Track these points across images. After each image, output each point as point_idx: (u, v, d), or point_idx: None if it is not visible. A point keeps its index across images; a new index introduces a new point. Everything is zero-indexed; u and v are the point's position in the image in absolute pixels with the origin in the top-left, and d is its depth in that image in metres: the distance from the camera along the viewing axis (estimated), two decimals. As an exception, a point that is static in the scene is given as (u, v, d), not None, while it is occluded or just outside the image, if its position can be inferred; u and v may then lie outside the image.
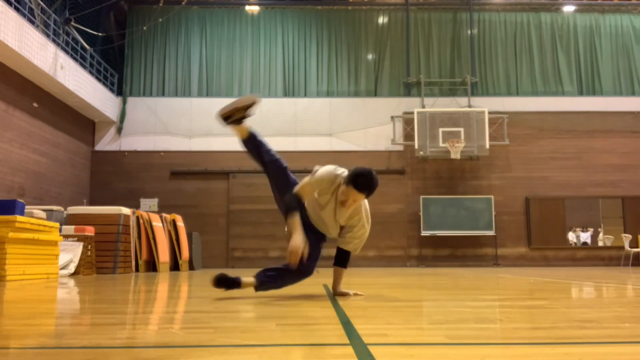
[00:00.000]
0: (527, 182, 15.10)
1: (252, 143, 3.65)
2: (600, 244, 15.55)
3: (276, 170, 3.61)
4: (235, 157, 14.95)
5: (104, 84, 14.49)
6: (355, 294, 3.55)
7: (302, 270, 3.28)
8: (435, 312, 2.69)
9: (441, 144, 14.39)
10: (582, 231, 15.76)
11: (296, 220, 3.25)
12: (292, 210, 3.27)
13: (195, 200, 14.77)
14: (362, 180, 3.16)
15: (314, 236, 3.45)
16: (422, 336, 1.83)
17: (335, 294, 3.57)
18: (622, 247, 14.24)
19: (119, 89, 15.46)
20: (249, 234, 14.59)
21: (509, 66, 15.99)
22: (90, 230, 8.46)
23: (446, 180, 15.06)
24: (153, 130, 15.17)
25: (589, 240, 15.73)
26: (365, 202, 3.44)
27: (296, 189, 3.39)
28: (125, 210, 9.43)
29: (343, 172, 3.36)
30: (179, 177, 14.95)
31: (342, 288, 3.61)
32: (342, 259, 3.55)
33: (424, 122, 14.53)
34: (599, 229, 15.76)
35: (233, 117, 3.58)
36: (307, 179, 3.39)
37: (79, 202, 13.52)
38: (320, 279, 5.81)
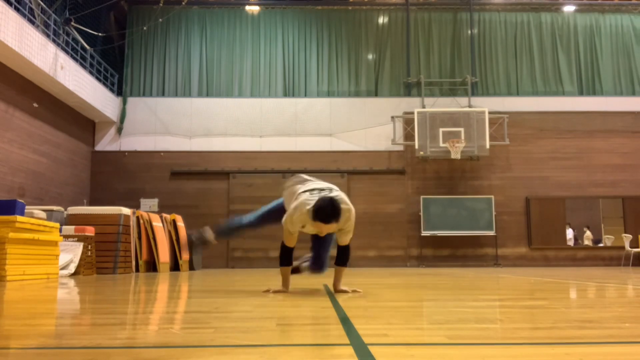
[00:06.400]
0: (527, 182, 15.10)
1: (226, 234, 4.53)
2: (587, 242, 15.49)
3: (260, 221, 4.32)
4: (235, 157, 14.96)
5: (104, 84, 14.49)
6: (354, 291, 3.76)
7: (318, 264, 4.05)
8: (435, 312, 2.69)
9: (441, 144, 14.39)
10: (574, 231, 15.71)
11: (284, 272, 3.85)
12: (280, 264, 3.83)
13: (196, 201, 14.77)
14: (323, 213, 3.38)
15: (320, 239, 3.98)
16: (422, 336, 1.83)
17: (335, 292, 3.81)
18: (623, 247, 14.25)
19: (119, 89, 15.46)
20: (249, 234, 14.55)
21: (509, 66, 15.98)
22: (90, 231, 8.45)
23: (446, 180, 15.06)
24: (153, 131, 15.17)
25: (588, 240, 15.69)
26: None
27: (283, 240, 3.79)
28: (126, 211, 9.43)
29: (303, 203, 3.57)
30: (179, 177, 14.95)
31: (342, 286, 3.86)
32: (341, 258, 3.85)
33: (424, 122, 14.53)
34: (584, 229, 15.73)
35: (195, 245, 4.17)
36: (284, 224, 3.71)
37: (79, 203, 13.52)
38: (320, 279, 5.81)
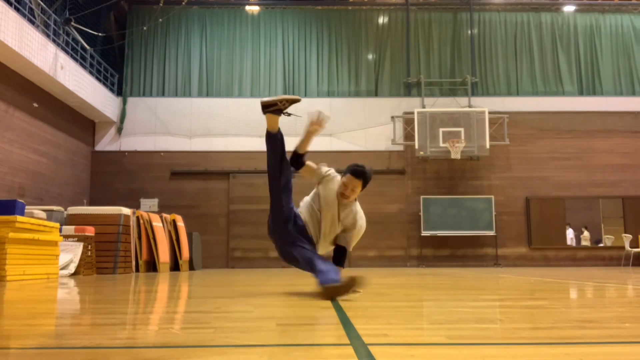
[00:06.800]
0: (527, 182, 15.10)
1: (280, 138, 3.82)
2: (585, 242, 15.46)
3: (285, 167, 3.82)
4: (235, 157, 14.96)
5: (104, 84, 14.49)
6: (354, 291, 3.71)
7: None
8: (435, 312, 2.69)
9: (441, 144, 14.39)
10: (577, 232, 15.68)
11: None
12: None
13: (196, 200, 14.77)
14: (358, 169, 3.63)
15: (305, 239, 3.78)
16: (422, 336, 1.83)
17: None
18: (623, 247, 14.25)
19: (119, 89, 15.46)
20: (249, 234, 14.59)
21: (509, 66, 15.98)
22: (90, 231, 8.45)
23: (446, 180, 15.06)
24: (153, 131, 15.17)
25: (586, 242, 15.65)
26: (358, 205, 3.84)
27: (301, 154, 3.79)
28: (126, 211, 9.43)
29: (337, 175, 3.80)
30: (179, 177, 14.95)
31: None
32: (339, 259, 3.81)
33: (424, 122, 14.53)
34: (583, 229, 15.67)
35: (275, 106, 3.74)
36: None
37: (79, 203, 13.52)
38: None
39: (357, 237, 3.80)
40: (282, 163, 3.72)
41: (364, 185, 3.66)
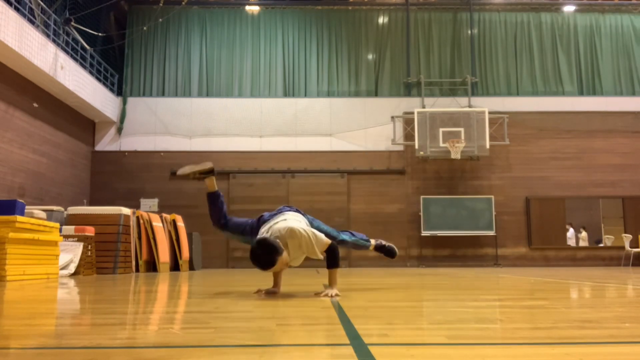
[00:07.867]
0: (527, 182, 15.10)
1: (218, 199, 4.35)
2: (583, 243, 15.43)
3: (233, 227, 4.37)
4: (235, 157, 14.96)
5: (104, 84, 14.49)
6: (332, 295, 3.51)
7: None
8: (435, 312, 2.69)
9: (441, 144, 14.39)
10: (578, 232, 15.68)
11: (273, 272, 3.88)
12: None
13: (196, 201, 14.75)
14: (254, 257, 3.31)
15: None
16: (423, 336, 1.83)
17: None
18: (623, 247, 14.25)
19: (119, 89, 15.46)
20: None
21: (509, 66, 15.98)
22: (90, 231, 8.45)
23: (446, 180, 15.06)
24: (153, 131, 15.17)
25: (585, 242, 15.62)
26: (293, 233, 3.46)
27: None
28: (126, 211, 9.43)
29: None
30: (179, 177, 14.92)
31: (330, 290, 3.58)
32: (328, 261, 3.64)
33: (424, 122, 14.53)
34: (581, 230, 15.62)
35: (190, 177, 4.28)
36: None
37: (79, 203, 13.52)
38: (320, 279, 5.82)
39: (316, 246, 3.46)
40: (222, 223, 4.40)
41: (284, 251, 3.34)
